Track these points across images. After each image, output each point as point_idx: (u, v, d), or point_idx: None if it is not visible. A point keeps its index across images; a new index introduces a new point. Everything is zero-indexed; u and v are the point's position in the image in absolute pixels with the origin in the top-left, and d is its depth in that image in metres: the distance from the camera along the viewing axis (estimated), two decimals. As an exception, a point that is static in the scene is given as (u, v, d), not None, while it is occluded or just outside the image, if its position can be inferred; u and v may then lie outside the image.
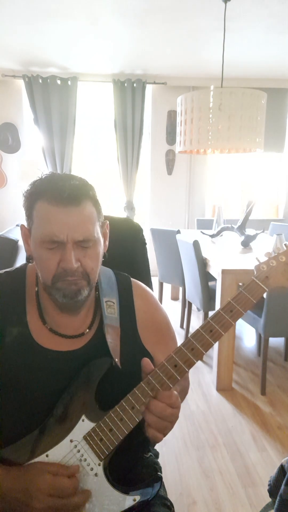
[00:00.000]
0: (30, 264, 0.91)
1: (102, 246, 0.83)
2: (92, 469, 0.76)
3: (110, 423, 0.75)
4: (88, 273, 0.78)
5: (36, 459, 0.75)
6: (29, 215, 0.79)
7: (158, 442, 0.75)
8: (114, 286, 0.92)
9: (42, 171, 0.82)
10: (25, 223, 0.83)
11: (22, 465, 0.75)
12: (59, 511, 0.71)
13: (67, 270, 0.76)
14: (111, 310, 0.87)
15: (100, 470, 0.76)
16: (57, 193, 0.74)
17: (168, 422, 0.74)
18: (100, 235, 0.81)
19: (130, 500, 0.75)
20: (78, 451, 0.76)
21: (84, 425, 0.77)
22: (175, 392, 0.76)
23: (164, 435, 0.75)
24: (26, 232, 0.82)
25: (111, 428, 0.75)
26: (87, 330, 0.86)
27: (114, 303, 0.89)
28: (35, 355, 0.81)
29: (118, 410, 0.75)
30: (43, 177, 0.80)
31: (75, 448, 0.76)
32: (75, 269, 0.76)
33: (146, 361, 0.77)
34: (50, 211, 0.75)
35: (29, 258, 0.86)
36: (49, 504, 0.69)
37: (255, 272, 0.82)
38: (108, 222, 0.89)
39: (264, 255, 0.85)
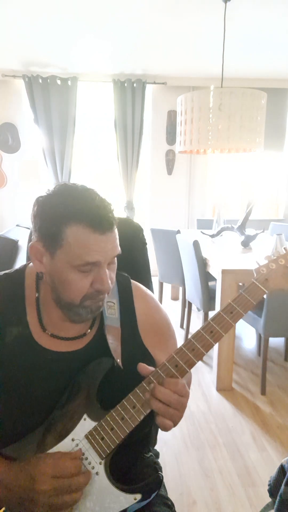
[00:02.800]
0: (29, 267, 0.91)
1: None
2: (93, 467, 0.76)
3: (111, 422, 0.76)
4: (112, 283, 0.81)
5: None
6: (55, 237, 0.74)
7: (168, 430, 0.75)
8: (114, 287, 0.92)
9: (51, 188, 0.78)
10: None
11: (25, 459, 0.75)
12: (64, 491, 0.70)
13: (103, 291, 0.77)
14: (112, 311, 0.88)
15: (101, 468, 0.76)
16: (96, 220, 0.73)
17: (175, 409, 0.73)
18: None
19: (131, 499, 0.75)
20: (80, 450, 0.76)
21: (86, 424, 0.77)
22: (183, 380, 0.76)
23: (174, 423, 0.74)
24: (39, 250, 0.78)
25: (113, 427, 0.75)
26: (89, 330, 0.86)
27: (114, 303, 0.89)
28: (36, 355, 0.81)
29: (120, 409, 0.76)
30: (58, 191, 0.76)
31: (77, 447, 0.76)
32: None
33: (142, 366, 0.76)
34: (90, 238, 0.73)
35: (40, 277, 0.84)
36: (53, 485, 0.69)
37: (255, 275, 0.84)
38: None
39: (264, 258, 0.86)
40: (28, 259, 1.08)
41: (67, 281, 0.76)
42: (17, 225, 3.23)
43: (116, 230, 0.79)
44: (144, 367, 0.76)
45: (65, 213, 0.73)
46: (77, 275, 0.75)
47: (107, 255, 0.76)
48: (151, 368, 0.77)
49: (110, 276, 0.78)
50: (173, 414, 0.73)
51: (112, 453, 0.76)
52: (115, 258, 0.81)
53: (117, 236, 0.79)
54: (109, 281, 0.77)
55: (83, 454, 0.76)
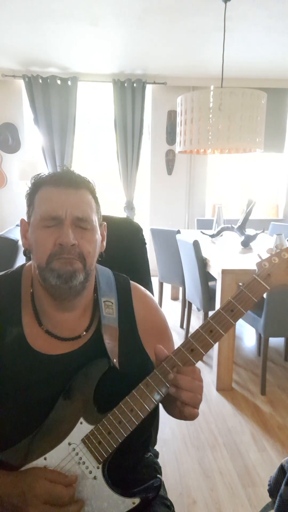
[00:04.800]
0: (26, 266, 0.91)
1: (99, 239, 0.85)
2: (90, 472, 0.75)
3: (108, 425, 0.74)
4: (85, 256, 0.79)
5: (34, 462, 0.75)
6: (30, 204, 0.82)
7: (194, 418, 0.75)
8: (112, 286, 0.91)
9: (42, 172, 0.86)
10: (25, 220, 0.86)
11: (20, 470, 0.74)
12: None
13: (64, 246, 0.76)
14: (110, 310, 0.86)
15: (99, 473, 0.75)
16: (58, 178, 0.81)
17: (199, 395, 0.73)
18: (97, 226, 0.84)
19: (129, 503, 0.75)
20: (77, 454, 0.75)
21: (83, 428, 0.76)
22: (196, 367, 0.76)
23: (198, 409, 0.75)
24: (26, 226, 0.84)
25: (110, 431, 0.74)
26: (84, 333, 0.85)
27: (112, 303, 0.88)
28: (30, 360, 0.80)
29: (117, 412, 0.74)
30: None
31: (74, 451, 0.75)
32: (72, 245, 0.76)
33: (159, 348, 0.76)
34: (51, 192, 0.79)
35: (25, 253, 0.86)
36: (44, 511, 0.69)
37: (257, 270, 0.80)
38: (105, 223, 0.90)
39: (266, 252, 0.82)
40: (29, 259, 1.08)
41: (36, 240, 0.79)
42: (17, 225, 3.23)
43: (86, 196, 0.81)
44: (161, 350, 0.76)
45: (38, 182, 0.83)
46: (43, 231, 0.78)
47: (69, 208, 0.78)
48: (167, 353, 0.76)
49: (77, 239, 0.78)
50: (200, 401, 0.74)
51: (110, 457, 0.75)
52: (92, 228, 0.81)
53: (88, 200, 0.81)
54: (71, 237, 0.76)
55: (80, 458, 0.75)
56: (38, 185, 0.82)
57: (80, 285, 0.79)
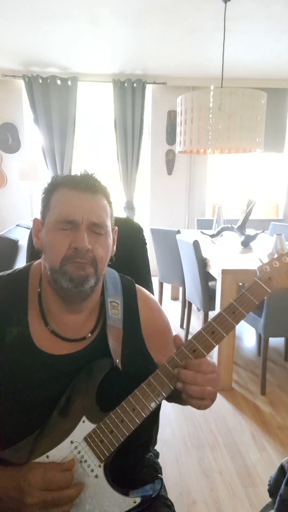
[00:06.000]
0: (34, 265, 0.91)
1: (111, 243, 0.85)
2: (92, 470, 0.75)
3: (110, 424, 0.75)
4: (97, 261, 0.79)
5: (36, 460, 0.75)
6: (46, 204, 0.83)
7: (206, 408, 0.75)
8: (119, 288, 0.92)
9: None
10: (34, 222, 0.86)
11: (18, 465, 0.74)
12: (53, 504, 0.70)
13: (79, 250, 0.76)
14: (115, 311, 0.87)
15: (100, 471, 0.75)
16: (76, 181, 0.81)
17: (206, 386, 0.72)
18: (110, 231, 0.84)
19: (130, 502, 0.75)
20: (79, 452, 0.75)
21: (85, 426, 0.76)
22: (207, 359, 0.75)
23: (212, 400, 0.74)
24: (39, 225, 0.84)
25: (112, 430, 0.74)
26: (89, 335, 0.85)
27: (118, 304, 0.89)
28: (34, 359, 0.81)
29: (119, 411, 0.75)
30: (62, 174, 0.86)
31: (76, 449, 0.75)
32: (87, 249, 0.77)
33: (177, 337, 0.77)
34: (68, 194, 0.80)
35: (38, 252, 0.86)
36: (42, 498, 0.69)
37: (258, 273, 0.81)
38: (117, 228, 0.91)
39: (267, 256, 0.83)
40: (29, 259, 1.08)
41: (50, 242, 0.79)
42: (17, 225, 3.23)
43: (102, 201, 0.82)
44: (179, 339, 0.76)
45: (55, 182, 0.83)
46: (58, 233, 0.78)
47: (86, 213, 0.78)
48: (182, 341, 0.76)
49: (91, 243, 0.78)
50: (203, 391, 0.72)
51: (112, 456, 0.76)
52: (106, 234, 0.82)
53: (103, 206, 0.82)
54: (87, 241, 0.77)
55: (82, 457, 0.75)
56: (56, 185, 0.82)
57: (90, 289, 0.80)
